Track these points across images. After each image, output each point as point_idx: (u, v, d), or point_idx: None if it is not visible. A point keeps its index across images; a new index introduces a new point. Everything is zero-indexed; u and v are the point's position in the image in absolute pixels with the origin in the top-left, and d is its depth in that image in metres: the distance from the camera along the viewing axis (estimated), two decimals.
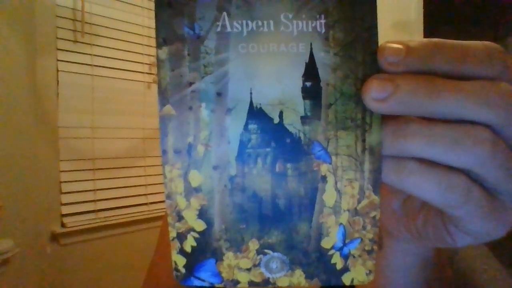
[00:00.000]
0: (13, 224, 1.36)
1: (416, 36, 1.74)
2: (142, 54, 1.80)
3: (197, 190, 0.18)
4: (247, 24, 0.17)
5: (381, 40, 0.17)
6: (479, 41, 0.17)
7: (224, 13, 0.17)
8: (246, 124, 0.18)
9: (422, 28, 1.78)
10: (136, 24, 1.78)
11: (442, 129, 0.16)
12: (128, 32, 1.76)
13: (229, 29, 0.17)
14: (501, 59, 0.17)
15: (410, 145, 0.17)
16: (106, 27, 1.69)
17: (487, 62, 0.17)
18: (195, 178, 0.18)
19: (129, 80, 1.77)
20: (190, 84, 0.18)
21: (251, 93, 0.18)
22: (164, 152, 0.18)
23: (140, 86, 1.80)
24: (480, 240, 0.19)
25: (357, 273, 0.19)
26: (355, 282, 0.19)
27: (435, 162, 0.17)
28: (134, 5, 1.77)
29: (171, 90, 0.18)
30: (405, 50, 0.16)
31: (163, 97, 0.18)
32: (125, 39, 1.75)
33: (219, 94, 0.18)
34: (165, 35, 0.17)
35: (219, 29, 0.17)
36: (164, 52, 0.17)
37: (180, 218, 0.18)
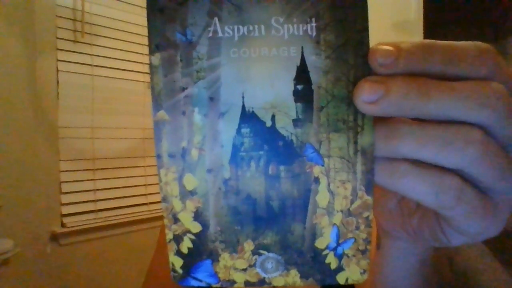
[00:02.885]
0: (13, 224, 1.37)
1: (416, 37, 1.74)
2: (142, 54, 1.80)
3: (192, 193, 0.19)
4: (238, 29, 0.18)
5: (381, 41, 0.17)
6: (470, 42, 0.17)
7: (216, 19, 0.17)
8: (239, 128, 0.18)
9: (422, 28, 1.78)
10: (136, 24, 1.78)
11: (434, 130, 0.17)
12: (128, 32, 1.76)
13: (220, 34, 0.18)
14: (492, 59, 0.17)
15: (402, 146, 0.17)
16: (106, 27, 1.69)
17: (478, 63, 0.17)
18: (190, 181, 0.18)
19: (129, 80, 1.77)
20: (183, 89, 0.18)
21: (243, 97, 0.18)
22: (159, 156, 0.18)
23: (140, 86, 1.80)
24: (475, 239, 0.19)
25: (352, 272, 0.19)
26: (350, 282, 0.19)
27: (427, 163, 0.17)
28: (134, 5, 1.77)
29: (165, 96, 0.18)
30: (396, 52, 0.16)
31: (157, 102, 0.18)
32: (125, 39, 1.75)
33: (211, 98, 0.18)
34: (157, 41, 0.18)
35: (210, 34, 0.18)
36: (157, 58, 0.18)
37: (176, 220, 0.19)
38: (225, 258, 0.19)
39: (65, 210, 1.56)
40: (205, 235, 0.19)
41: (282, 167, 0.18)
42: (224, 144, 0.18)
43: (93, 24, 1.65)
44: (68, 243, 1.54)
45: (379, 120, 0.18)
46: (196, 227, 0.19)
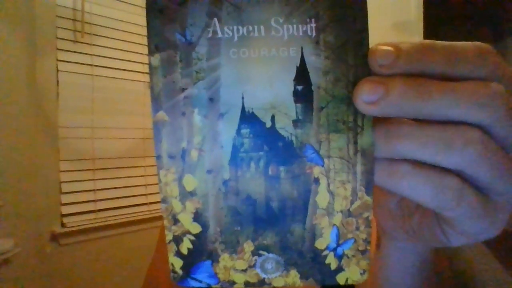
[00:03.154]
0: (13, 224, 1.37)
1: (416, 37, 1.74)
2: (142, 54, 1.80)
3: (191, 194, 0.19)
4: (237, 30, 0.18)
5: (381, 41, 0.17)
6: (469, 42, 0.17)
7: (215, 19, 0.17)
8: (239, 129, 0.18)
9: (422, 28, 1.78)
10: (136, 24, 1.78)
11: (434, 130, 0.17)
12: (128, 32, 1.76)
13: (220, 34, 0.18)
14: (492, 60, 0.17)
15: (402, 147, 0.17)
16: (106, 27, 1.69)
17: (478, 63, 0.17)
18: (190, 182, 0.18)
19: (129, 80, 1.77)
20: (183, 90, 0.18)
21: (243, 98, 0.18)
22: (159, 157, 0.18)
23: (140, 86, 1.80)
24: (474, 239, 0.19)
25: (352, 272, 0.19)
26: (350, 282, 0.19)
27: (427, 164, 0.17)
28: (134, 5, 1.77)
29: (164, 96, 0.18)
30: (395, 52, 0.16)
31: (156, 103, 0.18)
32: (125, 39, 1.75)
33: (211, 99, 0.18)
34: (157, 42, 0.18)
35: (210, 35, 0.18)
36: (156, 59, 0.18)
37: (176, 221, 0.19)
38: (225, 259, 0.19)
39: (65, 210, 1.56)
40: (205, 236, 0.19)
41: (282, 168, 0.18)
42: (224, 145, 0.18)
43: (93, 24, 1.65)
44: (68, 243, 1.54)
45: (379, 121, 0.18)
46: (196, 228, 0.19)
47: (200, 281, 0.19)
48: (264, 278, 0.19)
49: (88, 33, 1.62)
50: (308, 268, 0.19)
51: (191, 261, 0.19)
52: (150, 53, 0.18)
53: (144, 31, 1.80)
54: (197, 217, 0.19)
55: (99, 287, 1.61)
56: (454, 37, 0.17)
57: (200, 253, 0.19)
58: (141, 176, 1.80)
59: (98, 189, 1.65)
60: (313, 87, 0.18)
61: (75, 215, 1.58)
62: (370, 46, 0.17)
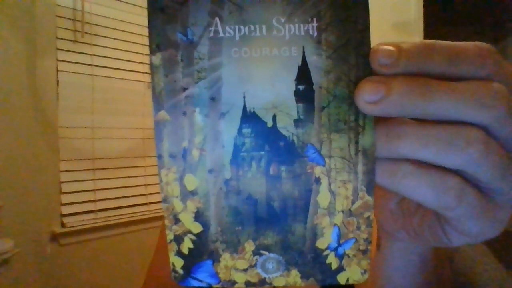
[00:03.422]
0: (13, 224, 1.37)
1: (416, 37, 1.74)
2: (142, 54, 1.80)
3: (193, 193, 0.19)
4: (239, 29, 0.18)
5: (381, 41, 0.17)
6: (471, 42, 0.17)
7: (217, 18, 0.17)
8: (240, 128, 0.18)
9: (422, 28, 1.78)
10: (136, 24, 1.78)
11: (435, 130, 0.17)
12: (128, 32, 1.76)
13: (221, 34, 0.18)
14: (493, 59, 0.17)
15: (404, 146, 0.17)
16: (106, 27, 1.69)
17: (479, 63, 0.17)
18: (191, 182, 0.18)
19: (129, 80, 1.76)
20: (184, 89, 0.18)
21: (244, 97, 0.18)
22: (160, 156, 0.18)
23: (140, 86, 1.80)
24: (476, 239, 0.19)
25: (352, 272, 0.19)
26: (351, 282, 0.19)
27: (428, 164, 0.17)
28: (134, 5, 1.77)
29: (165, 96, 0.18)
30: (397, 52, 0.16)
31: (158, 102, 0.18)
32: (125, 39, 1.75)
33: (212, 98, 0.18)
34: (158, 41, 0.18)
35: (211, 34, 0.18)
36: (157, 58, 0.18)
37: (177, 220, 0.19)
38: (226, 259, 0.19)
39: (65, 210, 1.56)
40: (206, 235, 0.19)
41: (283, 168, 0.18)
42: (225, 144, 0.18)
43: (93, 24, 1.64)
44: (68, 243, 1.54)
45: (380, 120, 0.18)
46: (197, 228, 0.19)
47: (201, 281, 0.19)
48: (265, 278, 0.19)
49: (88, 33, 1.62)
50: (309, 268, 0.19)
51: (192, 261, 0.19)
52: (152, 52, 0.18)
53: (144, 31, 1.80)
54: (198, 216, 0.19)
55: (99, 287, 1.61)
56: (454, 37, 0.17)
57: (201, 253, 0.19)
58: (141, 176, 1.79)
59: (98, 189, 1.65)
60: (314, 87, 0.18)
61: (75, 215, 1.58)
62: (371, 46, 0.17)
